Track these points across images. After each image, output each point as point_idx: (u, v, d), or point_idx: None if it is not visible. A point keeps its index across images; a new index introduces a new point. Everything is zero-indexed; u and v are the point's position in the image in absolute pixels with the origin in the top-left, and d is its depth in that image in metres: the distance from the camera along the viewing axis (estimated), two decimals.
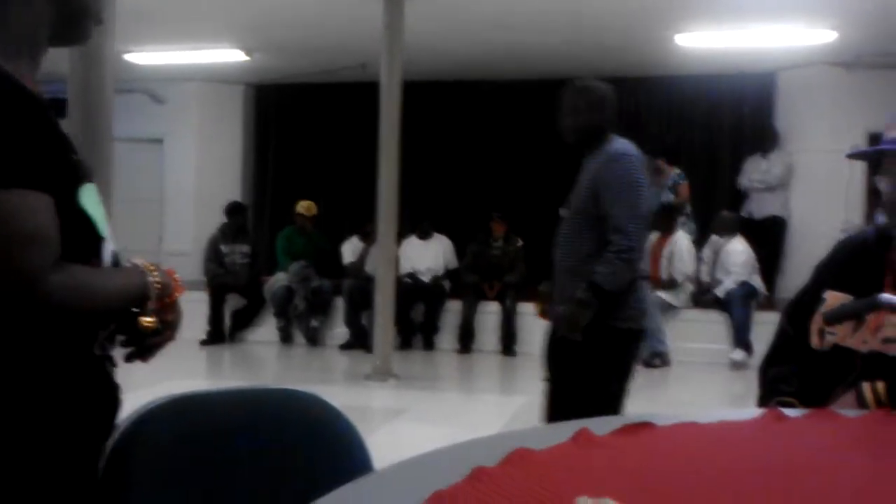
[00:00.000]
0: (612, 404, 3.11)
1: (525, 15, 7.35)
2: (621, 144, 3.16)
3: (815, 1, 6.88)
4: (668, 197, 8.65)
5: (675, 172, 8.74)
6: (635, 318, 3.15)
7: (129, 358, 1.34)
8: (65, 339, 1.24)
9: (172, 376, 6.30)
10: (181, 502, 1.27)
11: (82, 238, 1.28)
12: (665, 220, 8.15)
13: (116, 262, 1.40)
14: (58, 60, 4.23)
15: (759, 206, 8.95)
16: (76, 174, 1.28)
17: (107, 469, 1.18)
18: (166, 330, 1.34)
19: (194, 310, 9.28)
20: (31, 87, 1.26)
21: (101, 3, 1.40)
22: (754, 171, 8.95)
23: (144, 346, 1.33)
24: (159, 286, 1.34)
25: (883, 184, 1.78)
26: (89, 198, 1.29)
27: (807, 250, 7.56)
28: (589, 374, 3.06)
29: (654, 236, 8.28)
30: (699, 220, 8.95)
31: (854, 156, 2.05)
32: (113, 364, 1.34)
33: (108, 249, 1.37)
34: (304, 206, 8.98)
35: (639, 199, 3.04)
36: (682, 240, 8.12)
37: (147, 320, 1.30)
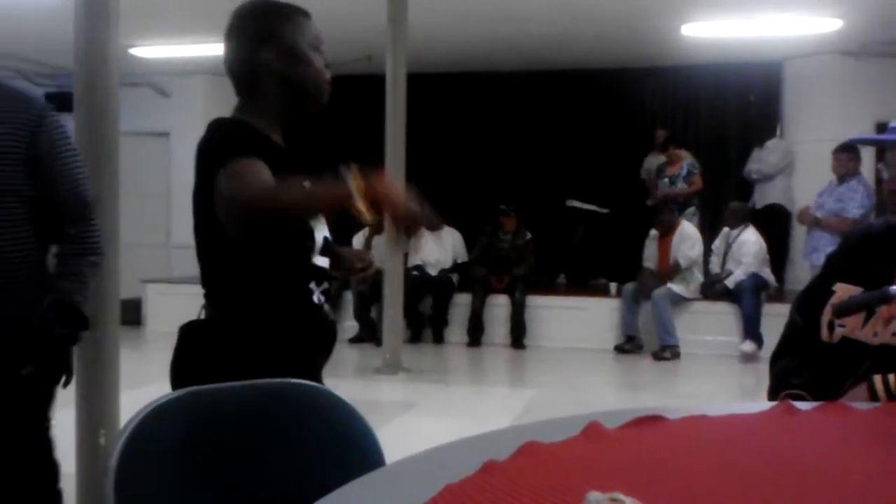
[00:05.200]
0: None
1: (530, 6, 7.33)
2: None
3: None
4: (683, 187, 8.65)
5: (686, 162, 8.73)
6: None
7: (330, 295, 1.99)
8: (293, 296, 1.89)
9: None
10: (193, 495, 1.28)
11: (300, 230, 1.89)
12: (664, 219, 8.13)
13: (327, 247, 1.96)
14: (64, 55, 4.23)
15: (761, 196, 8.96)
16: None
17: (119, 461, 1.18)
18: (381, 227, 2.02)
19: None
20: (273, 138, 1.92)
21: (323, 84, 2.00)
22: (753, 162, 8.97)
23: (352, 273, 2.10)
24: (361, 185, 1.62)
25: (885, 174, 1.78)
26: None
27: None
28: None
29: (654, 233, 8.28)
30: (706, 210, 8.94)
31: (857, 142, 2.06)
32: (328, 310, 1.99)
33: (321, 235, 1.93)
34: None
35: None
36: (687, 227, 8.11)
37: (359, 206, 1.58)
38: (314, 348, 1.96)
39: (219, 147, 1.78)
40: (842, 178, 6.92)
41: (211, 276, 1.92)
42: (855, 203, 6.78)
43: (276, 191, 1.70)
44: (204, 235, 1.87)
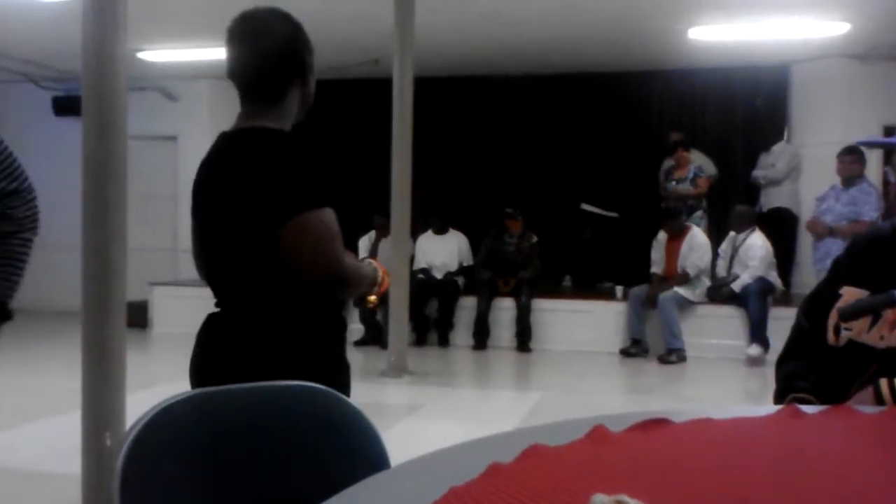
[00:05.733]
0: None
1: (537, 10, 7.34)
2: None
3: None
4: (688, 189, 8.64)
5: (694, 165, 8.73)
6: None
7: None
8: (332, 309, 2.03)
9: None
10: (199, 495, 1.28)
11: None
12: (673, 224, 8.12)
13: None
14: (72, 59, 4.24)
15: (767, 199, 8.95)
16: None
17: (125, 462, 1.19)
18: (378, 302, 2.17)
19: (210, 307, 9.35)
20: None
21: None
22: (761, 167, 8.97)
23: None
24: (382, 277, 2.08)
25: (891, 177, 1.78)
26: None
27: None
28: None
29: (662, 234, 8.27)
30: (712, 213, 8.93)
31: (864, 145, 2.06)
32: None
33: None
34: None
35: None
36: (698, 235, 8.11)
37: (372, 299, 2.11)
38: (343, 343, 2.11)
39: (307, 183, 1.86)
40: (848, 181, 6.89)
41: (250, 277, 1.94)
42: (870, 206, 6.74)
43: (353, 272, 1.95)
44: (246, 239, 1.89)
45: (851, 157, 6.82)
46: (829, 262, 6.75)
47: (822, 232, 7.01)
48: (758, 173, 8.99)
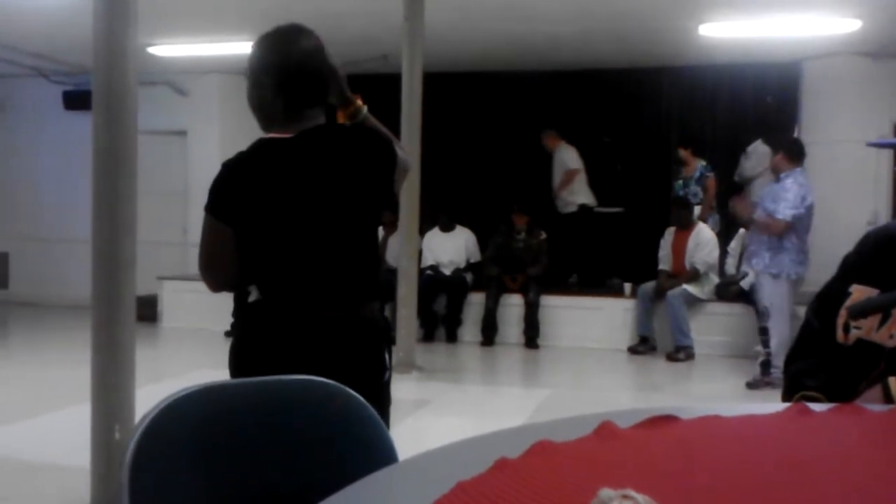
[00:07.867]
0: None
1: (547, 5, 7.33)
2: None
3: None
4: (695, 190, 8.60)
5: (701, 164, 8.68)
6: None
7: None
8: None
9: (200, 366, 6.37)
10: (207, 488, 1.29)
11: None
12: (681, 214, 8.11)
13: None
14: (83, 54, 4.25)
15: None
16: None
17: (134, 455, 1.19)
18: None
19: (219, 302, 9.36)
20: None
21: None
22: (739, 166, 8.90)
23: None
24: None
25: None
26: None
27: (832, 243, 7.48)
28: None
29: (670, 231, 8.25)
30: (721, 211, 8.90)
31: (874, 146, 2.04)
32: None
33: None
34: None
35: None
36: (704, 231, 8.08)
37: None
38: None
39: (385, 136, 2.35)
40: (776, 176, 6.63)
41: (359, 267, 2.24)
42: (786, 203, 6.38)
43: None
44: (369, 225, 2.27)
45: (770, 151, 6.62)
46: (756, 262, 6.35)
47: (745, 215, 6.65)
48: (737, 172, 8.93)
